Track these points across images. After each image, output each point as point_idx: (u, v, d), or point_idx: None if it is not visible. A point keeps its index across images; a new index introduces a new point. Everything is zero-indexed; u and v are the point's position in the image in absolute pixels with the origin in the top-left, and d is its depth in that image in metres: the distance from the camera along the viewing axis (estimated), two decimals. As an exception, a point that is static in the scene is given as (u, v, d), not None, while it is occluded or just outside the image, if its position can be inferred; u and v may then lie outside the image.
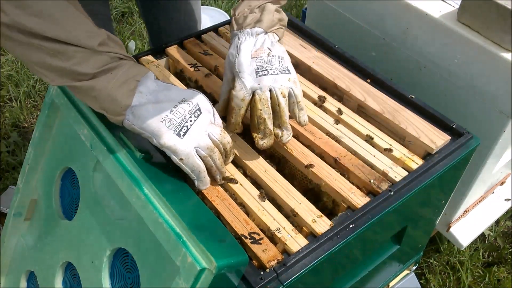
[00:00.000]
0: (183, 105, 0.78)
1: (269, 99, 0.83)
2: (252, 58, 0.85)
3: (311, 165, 0.87)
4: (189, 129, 0.77)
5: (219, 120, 0.82)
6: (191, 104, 0.78)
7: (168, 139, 0.75)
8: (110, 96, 0.74)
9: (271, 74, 0.84)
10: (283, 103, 0.83)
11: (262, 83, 0.83)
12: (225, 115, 0.89)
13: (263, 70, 0.84)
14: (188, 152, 0.76)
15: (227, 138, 0.81)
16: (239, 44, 0.87)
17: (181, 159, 0.76)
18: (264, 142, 0.85)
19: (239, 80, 0.84)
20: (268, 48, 0.87)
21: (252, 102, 0.84)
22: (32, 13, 0.66)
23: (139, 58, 1.11)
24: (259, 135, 0.85)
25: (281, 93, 0.83)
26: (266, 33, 0.89)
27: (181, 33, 1.37)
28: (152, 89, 0.78)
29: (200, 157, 0.78)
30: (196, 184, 0.81)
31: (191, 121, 0.77)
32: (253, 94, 0.83)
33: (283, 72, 0.85)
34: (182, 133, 0.76)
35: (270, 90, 0.83)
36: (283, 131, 0.86)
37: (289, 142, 0.91)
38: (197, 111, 0.78)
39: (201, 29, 1.32)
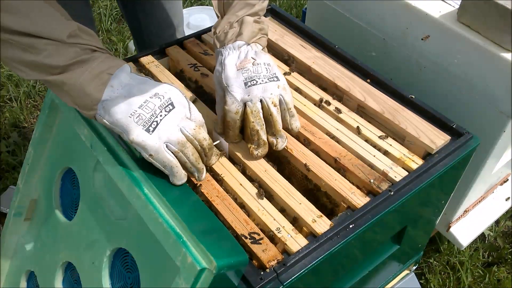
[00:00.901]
0: (154, 99, 0.75)
1: (260, 110, 0.84)
2: (238, 70, 0.86)
3: (308, 168, 0.87)
4: (159, 124, 0.74)
5: (196, 115, 0.78)
6: (162, 98, 0.75)
7: (136, 135, 0.73)
8: (81, 90, 0.73)
9: (260, 83, 0.84)
10: (275, 113, 0.84)
11: (252, 94, 0.83)
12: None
13: (251, 80, 0.84)
14: (157, 147, 0.74)
15: (202, 134, 0.77)
16: (223, 60, 0.88)
17: (150, 155, 0.74)
18: (258, 152, 0.86)
19: (229, 94, 0.84)
20: (252, 58, 0.87)
21: (244, 114, 0.85)
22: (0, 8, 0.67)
23: (139, 58, 1.11)
24: (253, 146, 0.86)
25: (272, 103, 0.84)
26: (249, 44, 0.89)
27: (162, 31, 1.36)
28: (125, 83, 0.75)
29: (172, 152, 0.75)
30: (170, 179, 0.78)
31: (161, 116, 0.74)
32: (245, 105, 0.84)
33: (272, 79, 0.85)
34: (151, 129, 0.73)
35: (261, 101, 0.84)
36: (277, 139, 0.87)
37: (289, 142, 0.91)
38: (169, 106, 0.75)
39: (196, 29, 1.32)
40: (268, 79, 0.85)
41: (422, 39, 1.07)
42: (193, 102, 1.00)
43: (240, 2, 0.91)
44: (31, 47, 0.70)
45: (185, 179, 0.79)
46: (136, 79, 0.77)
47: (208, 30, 1.21)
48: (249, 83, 0.84)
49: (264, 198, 0.82)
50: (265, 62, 0.87)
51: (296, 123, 0.89)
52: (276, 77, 0.86)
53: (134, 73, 0.78)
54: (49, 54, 0.70)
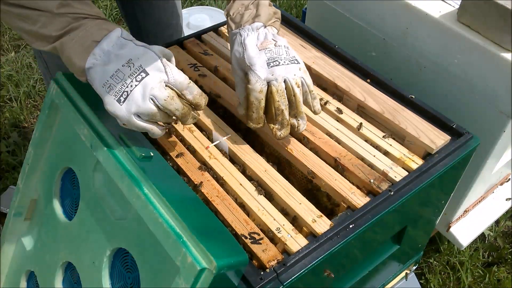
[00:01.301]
0: (125, 68, 0.72)
1: (284, 90, 0.84)
2: (260, 50, 0.86)
3: (313, 176, 0.87)
4: (129, 94, 0.72)
5: (175, 78, 0.73)
6: (132, 66, 0.72)
7: (109, 105, 0.73)
8: (69, 58, 0.75)
9: (282, 64, 0.85)
10: (298, 93, 0.85)
11: (275, 74, 0.84)
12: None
13: (274, 61, 0.85)
14: (128, 118, 0.73)
15: (174, 105, 0.73)
16: (243, 40, 0.87)
17: (124, 124, 0.75)
18: (281, 133, 0.87)
19: (252, 73, 0.84)
20: (273, 39, 0.87)
21: (268, 94, 0.85)
22: None
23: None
24: (277, 126, 0.86)
25: (296, 83, 0.84)
26: (265, 27, 0.89)
27: (161, 31, 1.36)
28: (106, 50, 0.74)
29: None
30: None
31: (131, 86, 0.72)
32: (268, 85, 0.84)
33: (292, 61, 0.86)
34: (122, 99, 0.72)
35: (285, 81, 0.84)
36: (299, 120, 0.87)
37: (289, 142, 0.91)
38: (141, 74, 0.72)
39: (196, 29, 1.32)
40: (289, 61, 0.86)
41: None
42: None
43: None
44: (27, 18, 0.74)
45: (162, 133, 0.80)
46: (118, 44, 0.75)
47: (208, 30, 1.21)
48: (271, 63, 0.84)
49: (264, 197, 0.82)
50: (285, 45, 0.88)
51: (318, 105, 0.89)
52: (296, 60, 0.87)
53: (123, 37, 0.76)
54: (43, 24, 0.74)
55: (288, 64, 0.85)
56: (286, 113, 0.85)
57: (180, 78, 0.74)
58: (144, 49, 0.74)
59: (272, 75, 0.84)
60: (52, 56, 1.23)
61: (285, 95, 0.85)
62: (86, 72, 0.74)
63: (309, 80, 0.87)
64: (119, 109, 0.72)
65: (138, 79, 0.72)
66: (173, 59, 0.79)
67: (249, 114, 0.87)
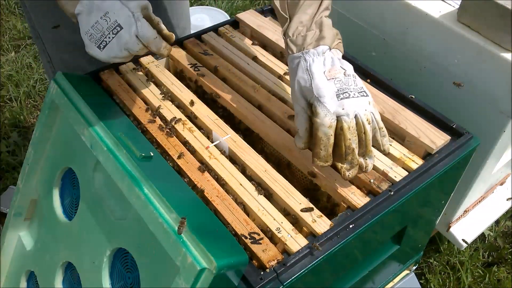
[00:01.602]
0: (102, 21, 0.80)
1: (355, 127, 0.78)
2: (328, 79, 0.79)
3: (312, 174, 0.87)
4: (107, 44, 0.81)
5: (143, 33, 0.81)
6: (109, 20, 0.80)
7: (91, 50, 0.83)
8: (61, 4, 0.82)
9: (352, 97, 0.78)
10: (369, 130, 0.78)
11: (346, 108, 0.77)
12: (310, 148, 0.83)
13: (343, 93, 0.78)
14: (108, 60, 0.83)
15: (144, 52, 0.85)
16: (309, 67, 0.80)
17: (114, 56, 0.83)
18: (350, 173, 0.80)
19: (321, 105, 0.77)
20: (342, 67, 0.80)
21: (337, 130, 0.77)
22: None
23: (139, 58, 1.11)
24: (345, 166, 0.79)
25: (367, 119, 0.77)
26: (330, 49, 0.82)
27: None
28: None
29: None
30: None
31: (109, 37, 0.81)
32: (338, 120, 0.77)
33: (361, 94, 0.79)
34: (101, 46, 0.82)
35: (355, 116, 0.77)
36: (367, 160, 0.80)
37: (288, 142, 0.91)
38: (117, 28, 0.80)
39: (196, 29, 1.32)
40: (358, 92, 0.79)
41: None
42: (193, 103, 1.00)
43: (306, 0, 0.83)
44: None
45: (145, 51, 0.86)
46: None
47: (208, 30, 1.21)
48: (341, 95, 0.77)
49: (264, 197, 0.82)
50: (353, 74, 0.81)
51: (388, 143, 0.82)
52: (365, 91, 0.80)
53: None
54: None
55: (358, 97, 0.78)
56: (357, 151, 0.78)
57: (148, 33, 0.82)
58: (121, 5, 0.81)
59: (343, 109, 0.77)
60: (56, 51, 1.23)
61: (356, 133, 0.77)
62: (77, 17, 0.82)
63: (378, 116, 0.80)
64: (100, 53, 0.83)
65: (114, 32, 0.81)
66: (150, 8, 0.85)
67: (316, 152, 0.79)
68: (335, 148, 0.79)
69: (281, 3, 0.86)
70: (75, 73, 1.02)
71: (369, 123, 0.78)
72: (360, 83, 0.81)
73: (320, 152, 0.78)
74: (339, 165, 0.80)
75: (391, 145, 0.89)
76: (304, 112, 0.80)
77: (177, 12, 1.37)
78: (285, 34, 0.85)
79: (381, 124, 0.80)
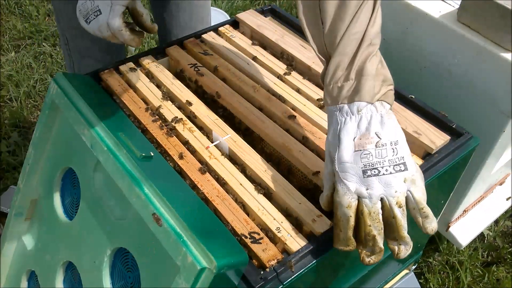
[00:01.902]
0: (87, 2, 0.90)
1: (380, 211, 0.67)
2: (355, 151, 0.68)
3: (312, 174, 0.87)
4: (91, 21, 0.91)
5: (112, 22, 0.88)
6: (93, 3, 0.90)
7: (80, 21, 0.93)
8: None
9: (383, 174, 0.66)
10: (399, 215, 0.67)
11: (371, 189, 0.66)
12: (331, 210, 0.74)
13: (372, 169, 0.67)
14: (94, 32, 0.92)
15: (113, 40, 0.92)
16: (339, 131, 0.69)
17: (94, 32, 0.92)
18: (371, 259, 0.70)
19: (340, 182, 0.68)
20: (377, 135, 0.68)
21: (358, 213, 0.68)
22: None
23: (139, 58, 1.11)
24: (365, 251, 0.70)
25: (397, 203, 0.66)
26: (372, 103, 0.69)
27: (183, 34, 1.37)
28: None
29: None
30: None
31: (92, 17, 0.91)
32: (359, 202, 0.67)
33: (398, 169, 0.67)
34: (88, 22, 0.91)
35: (382, 199, 0.67)
36: (400, 245, 0.69)
37: (288, 142, 0.92)
38: (97, 12, 0.90)
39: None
40: (393, 167, 0.67)
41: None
42: (193, 103, 1.00)
43: (346, 34, 0.69)
44: None
45: (136, 41, 0.93)
46: None
47: (208, 30, 1.21)
48: (368, 172, 0.67)
49: (264, 197, 0.82)
50: (392, 141, 0.68)
51: (432, 225, 0.69)
52: (404, 163, 0.67)
53: None
54: None
55: (391, 173, 0.66)
56: (379, 238, 0.68)
57: (114, 25, 0.89)
58: (101, 1, 0.89)
59: (367, 189, 0.66)
60: (74, 36, 1.28)
61: (380, 218, 0.67)
62: None
63: (418, 194, 0.67)
64: (87, 27, 0.92)
65: (95, 15, 0.90)
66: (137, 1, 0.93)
67: (335, 233, 0.70)
68: (357, 231, 0.69)
69: (318, 44, 0.74)
70: (75, 73, 1.02)
71: (400, 207, 0.66)
72: (403, 151, 0.68)
73: (339, 234, 0.69)
74: (360, 249, 0.70)
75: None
76: (330, 178, 0.72)
77: (198, 16, 1.38)
78: (322, 80, 0.74)
79: (422, 204, 0.68)
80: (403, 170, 0.67)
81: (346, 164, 0.68)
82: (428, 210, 0.68)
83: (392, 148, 0.68)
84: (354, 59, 0.70)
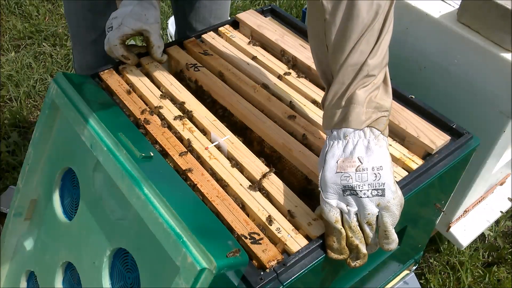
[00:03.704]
0: (110, 21, 1.05)
1: (357, 224, 0.73)
2: (337, 172, 0.72)
3: (312, 174, 0.87)
4: (108, 33, 1.04)
5: (111, 38, 1.02)
6: (111, 23, 1.04)
7: (106, 30, 1.06)
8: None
9: (360, 196, 0.72)
10: (368, 230, 0.73)
11: (350, 206, 0.73)
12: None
13: (350, 190, 0.72)
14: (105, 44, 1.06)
15: (111, 55, 1.05)
16: (325, 153, 0.75)
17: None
18: (356, 263, 0.76)
19: (324, 202, 0.73)
20: (359, 159, 0.72)
21: (343, 224, 0.74)
22: None
23: (140, 58, 1.11)
24: (351, 256, 0.76)
25: (367, 222, 0.73)
26: (361, 129, 0.73)
27: (201, 28, 1.38)
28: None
29: None
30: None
31: (108, 31, 1.05)
32: (342, 215, 0.73)
33: (376, 193, 0.71)
34: (108, 31, 1.05)
35: (356, 214, 0.73)
36: (383, 245, 0.77)
37: (288, 142, 0.91)
38: (110, 28, 1.04)
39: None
40: (371, 191, 0.71)
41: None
42: (192, 103, 1.00)
43: (344, 64, 0.72)
44: None
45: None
46: (124, 4, 1.05)
47: (208, 30, 1.21)
48: (347, 192, 0.72)
49: (264, 198, 0.82)
50: (375, 166, 0.72)
51: (389, 246, 0.76)
52: (383, 189, 0.71)
53: None
54: None
55: (367, 197, 0.71)
56: (362, 246, 0.74)
57: (110, 40, 1.03)
58: (117, 19, 1.03)
59: (347, 205, 0.73)
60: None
61: (359, 229, 0.73)
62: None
63: (386, 218, 0.72)
64: (107, 35, 1.05)
65: (109, 30, 1.05)
66: (151, 34, 1.05)
67: (328, 244, 0.75)
68: (346, 240, 0.75)
69: (321, 71, 0.78)
70: (75, 73, 1.02)
71: (369, 225, 0.73)
72: (385, 176, 0.71)
73: (332, 244, 0.75)
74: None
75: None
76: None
77: (217, 12, 1.40)
78: (322, 105, 0.78)
79: (387, 228, 0.73)
80: (380, 195, 0.72)
81: (327, 184, 0.73)
82: (390, 234, 0.74)
83: (374, 173, 0.72)
84: (348, 88, 0.73)
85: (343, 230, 0.73)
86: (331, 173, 0.73)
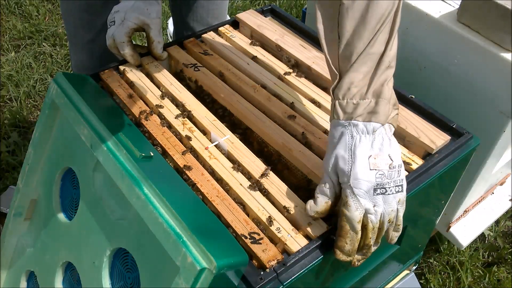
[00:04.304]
0: (112, 14, 1.04)
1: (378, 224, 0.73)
2: (371, 169, 0.70)
3: (312, 174, 0.87)
4: (109, 28, 1.04)
5: (116, 34, 1.01)
6: (113, 18, 1.04)
7: (108, 24, 1.06)
8: None
9: (388, 194, 0.71)
10: (385, 228, 0.73)
11: (377, 207, 0.71)
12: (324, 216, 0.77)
13: (381, 188, 0.70)
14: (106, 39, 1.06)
15: (113, 51, 1.05)
16: (353, 147, 0.71)
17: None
18: (359, 262, 0.76)
19: (354, 198, 0.70)
20: (389, 157, 0.71)
21: (361, 225, 0.72)
22: None
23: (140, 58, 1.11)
24: (357, 257, 0.75)
25: (389, 220, 0.72)
26: (383, 125, 0.72)
27: (199, 29, 1.38)
28: None
29: None
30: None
31: (110, 25, 1.05)
32: (364, 216, 0.71)
33: (397, 190, 0.71)
34: (109, 27, 1.05)
35: (381, 215, 0.72)
36: (374, 246, 0.76)
37: (288, 142, 0.91)
38: (113, 22, 1.03)
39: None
40: (395, 188, 0.71)
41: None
42: (192, 103, 1.00)
43: (364, 53, 0.70)
44: None
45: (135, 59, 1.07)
46: None
47: (208, 30, 1.21)
48: (378, 190, 0.70)
49: (264, 197, 0.82)
50: (399, 164, 0.72)
51: (396, 238, 0.76)
52: (402, 185, 0.72)
53: None
54: None
55: (393, 193, 0.71)
56: (374, 246, 0.74)
57: (117, 37, 1.02)
58: (120, 14, 1.03)
59: (374, 206, 0.70)
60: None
61: (377, 231, 0.73)
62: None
63: (401, 213, 0.73)
64: (109, 29, 1.04)
65: (111, 24, 1.04)
66: (151, 29, 1.05)
67: (340, 245, 0.72)
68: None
69: (333, 57, 0.74)
70: (75, 73, 1.02)
71: (389, 222, 0.72)
72: (403, 173, 0.72)
73: (345, 246, 0.72)
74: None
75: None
76: (333, 188, 0.74)
77: (214, 12, 1.40)
78: (333, 93, 0.74)
79: (400, 221, 0.74)
80: (401, 192, 0.72)
81: (360, 181, 0.70)
82: (401, 227, 0.75)
83: (398, 170, 0.72)
84: (372, 80, 0.71)
85: (360, 232, 0.71)
86: (365, 169, 0.70)
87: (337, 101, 0.73)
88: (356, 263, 0.75)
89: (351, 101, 0.72)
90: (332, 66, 0.74)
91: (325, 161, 0.75)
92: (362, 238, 0.72)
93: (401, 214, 0.73)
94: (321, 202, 0.74)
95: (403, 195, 0.72)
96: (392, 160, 0.71)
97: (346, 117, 0.72)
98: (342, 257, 0.73)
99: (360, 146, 0.71)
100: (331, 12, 0.71)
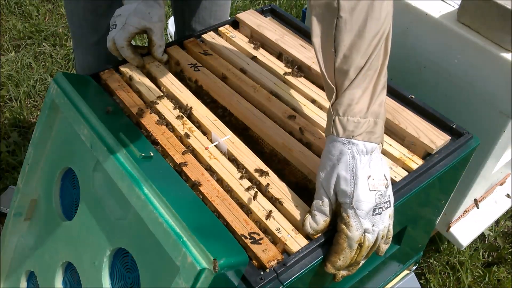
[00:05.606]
0: (114, 18, 1.04)
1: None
2: (370, 191, 0.71)
3: (312, 174, 0.87)
4: (111, 30, 1.04)
5: (116, 37, 1.01)
6: (115, 21, 1.03)
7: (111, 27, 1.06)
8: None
9: (383, 212, 0.73)
10: (378, 243, 0.75)
11: (376, 226, 0.72)
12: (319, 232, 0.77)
13: (379, 208, 0.72)
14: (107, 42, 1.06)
15: (113, 53, 1.05)
16: (355, 168, 0.71)
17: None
18: (343, 275, 0.78)
19: (356, 218, 0.71)
20: (385, 177, 0.73)
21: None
22: None
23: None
24: (343, 273, 0.77)
25: (382, 236, 0.74)
26: (378, 145, 0.74)
27: (201, 30, 1.39)
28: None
29: None
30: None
31: (111, 28, 1.04)
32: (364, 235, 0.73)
33: (387, 206, 0.73)
34: (110, 30, 1.04)
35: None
36: (362, 261, 0.78)
37: (288, 142, 0.91)
38: (114, 25, 1.03)
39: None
40: (385, 204, 0.73)
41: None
42: (192, 103, 1.00)
43: (364, 69, 0.71)
44: None
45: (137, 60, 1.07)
46: (127, 2, 1.04)
47: (208, 30, 1.21)
48: (376, 211, 0.72)
49: (264, 197, 0.82)
50: (390, 181, 0.74)
51: (385, 250, 0.78)
52: (389, 201, 0.74)
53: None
54: None
55: (385, 210, 0.73)
56: (363, 261, 0.76)
57: (118, 41, 1.02)
58: (123, 11, 1.03)
59: (372, 226, 0.72)
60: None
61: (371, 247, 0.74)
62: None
63: (391, 226, 0.75)
64: (110, 32, 1.04)
65: (113, 28, 1.04)
66: (153, 33, 1.05)
67: (333, 260, 0.74)
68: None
69: (329, 71, 0.74)
70: (75, 73, 1.02)
71: (382, 238, 0.74)
72: (390, 188, 0.74)
73: (337, 262, 0.73)
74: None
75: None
76: (331, 205, 0.74)
77: (216, 14, 1.41)
78: (332, 109, 0.74)
79: (391, 234, 0.76)
80: (389, 207, 0.74)
81: (362, 202, 0.71)
82: (390, 239, 0.77)
83: (389, 188, 0.74)
84: (372, 99, 0.72)
85: (355, 251, 0.73)
86: (365, 192, 0.71)
87: (336, 117, 0.73)
88: (340, 278, 0.77)
89: (352, 118, 0.72)
90: (328, 80, 0.74)
91: (324, 179, 0.74)
92: (355, 255, 0.74)
93: (391, 228, 0.76)
94: (320, 221, 0.75)
95: (391, 210, 0.74)
96: (386, 179, 0.73)
97: (346, 135, 0.72)
98: (331, 270, 0.75)
99: (361, 168, 0.71)
100: (327, 26, 0.72)
